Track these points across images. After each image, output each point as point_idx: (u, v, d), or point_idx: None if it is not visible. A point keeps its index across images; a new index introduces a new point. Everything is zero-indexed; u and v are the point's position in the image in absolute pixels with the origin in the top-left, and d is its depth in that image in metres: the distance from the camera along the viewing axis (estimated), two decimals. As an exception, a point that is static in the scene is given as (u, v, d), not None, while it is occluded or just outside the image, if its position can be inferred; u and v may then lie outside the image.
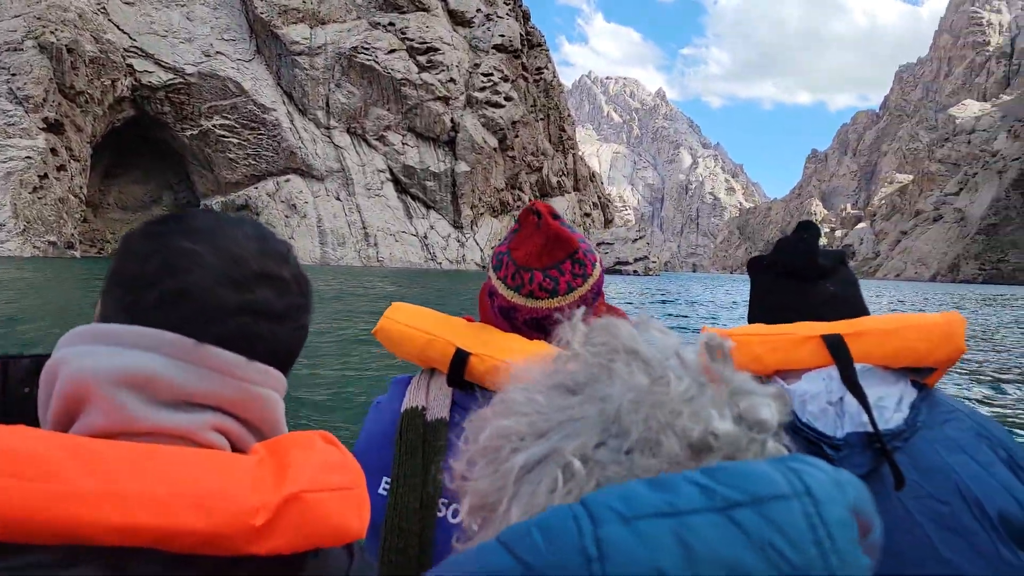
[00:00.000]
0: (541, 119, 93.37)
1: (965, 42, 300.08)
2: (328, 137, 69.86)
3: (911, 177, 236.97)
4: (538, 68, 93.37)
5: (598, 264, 1.18)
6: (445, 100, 73.19)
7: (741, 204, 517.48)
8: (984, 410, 7.99)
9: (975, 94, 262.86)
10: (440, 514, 1.10)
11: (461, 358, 1.13)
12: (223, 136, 64.14)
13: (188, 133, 63.28)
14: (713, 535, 0.31)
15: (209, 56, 64.07)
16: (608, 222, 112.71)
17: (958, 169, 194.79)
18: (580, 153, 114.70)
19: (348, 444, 0.96)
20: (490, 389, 1.06)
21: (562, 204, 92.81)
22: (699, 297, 36.09)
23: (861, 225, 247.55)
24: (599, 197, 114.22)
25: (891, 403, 1.08)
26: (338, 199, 68.86)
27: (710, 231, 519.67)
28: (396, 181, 72.37)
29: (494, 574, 0.35)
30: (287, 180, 66.80)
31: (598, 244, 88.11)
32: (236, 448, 0.68)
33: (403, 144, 72.29)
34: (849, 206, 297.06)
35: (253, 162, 65.79)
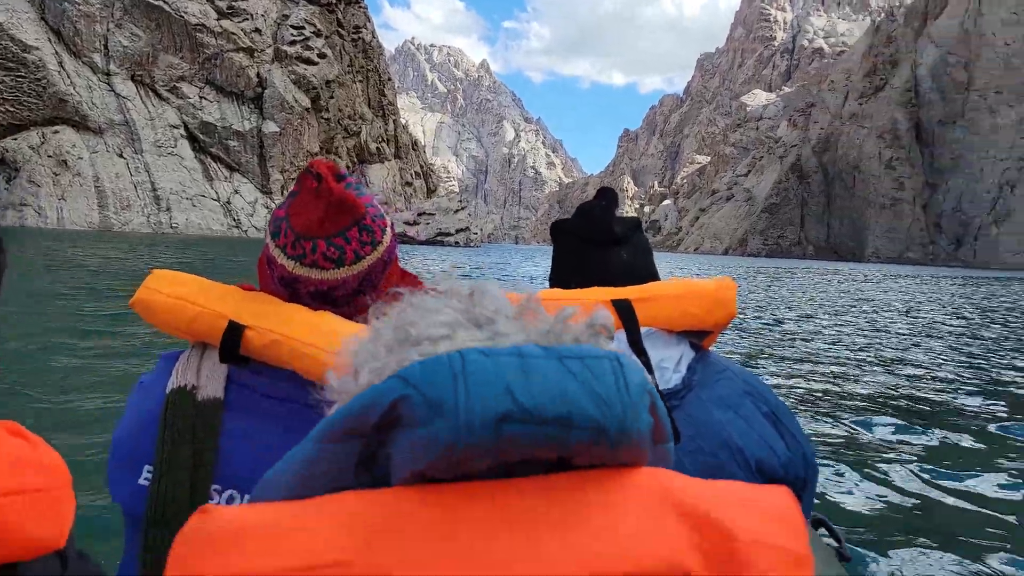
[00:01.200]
0: (359, 81, 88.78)
1: (756, 36, 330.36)
2: (108, 85, 60.99)
3: (709, 159, 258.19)
4: (356, 27, 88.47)
5: (388, 230, 1.13)
6: (250, 52, 66.81)
7: (561, 179, 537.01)
8: (752, 364, 8.68)
9: (763, 84, 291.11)
10: (213, 502, 0.99)
11: (235, 331, 1.04)
12: (-32, 76, 53.74)
13: (-81, 69, 52.30)
14: (548, 368, 0.39)
15: (-54, -23, 53.17)
16: (431, 192, 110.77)
17: (748, 153, 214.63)
18: (403, 121, 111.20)
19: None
20: (270, 364, 1.03)
21: (382, 172, 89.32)
22: (518, 270, 35.60)
23: (666, 202, 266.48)
24: (422, 166, 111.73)
25: (671, 364, 1.14)
26: (121, 156, 60.55)
27: (532, 204, 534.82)
28: (193, 139, 65.14)
29: (378, 391, 0.40)
30: (55, 132, 57.40)
31: (419, 214, 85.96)
32: None
33: (200, 98, 65.11)
34: (656, 184, 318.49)
35: (11, 109, 55.66)
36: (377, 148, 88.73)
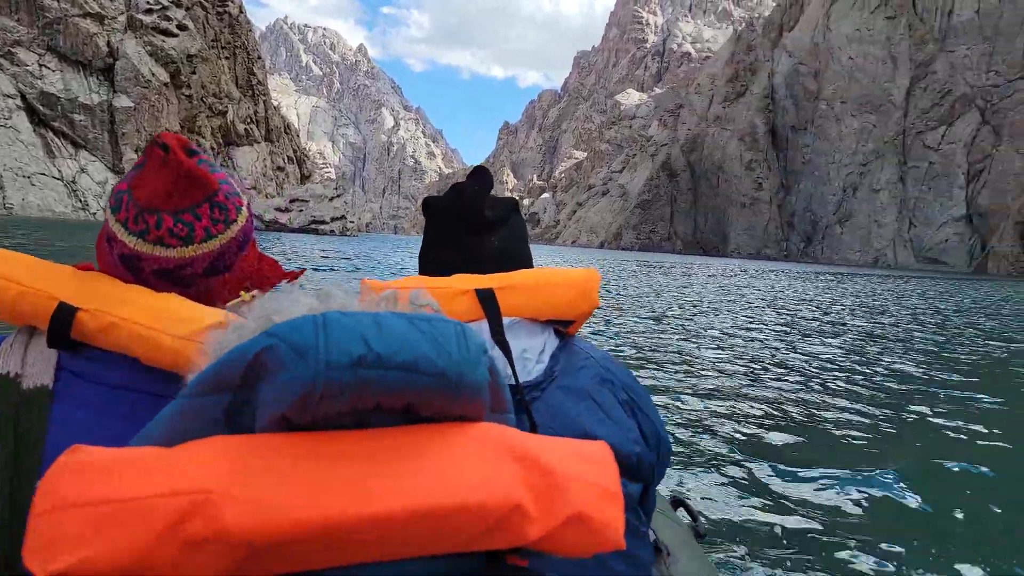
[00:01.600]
0: (226, 58, 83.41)
1: (629, 38, 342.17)
2: (-76, 44, 53.66)
3: (586, 154, 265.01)
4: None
5: (245, 209, 1.06)
6: (99, 18, 60.89)
7: (441, 169, 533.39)
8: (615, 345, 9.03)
9: (636, 84, 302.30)
10: None
11: (65, 313, 0.95)
12: None
13: None
14: (399, 324, 0.44)
15: None
16: (305, 178, 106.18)
17: (622, 150, 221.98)
18: (275, 102, 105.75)
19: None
20: (107, 350, 0.96)
21: (251, 155, 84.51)
22: (390, 259, 34.48)
23: (545, 196, 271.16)
24: (295, 151, 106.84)
25: (534, 354, 1.14)
26: (-59, 127, 53.52)
27: (412, 194, 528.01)
28: (31, 111, 58.60)
29: (244, 345, 0.43)
30: None
31: (292, 201, 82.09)
32: None
33: (40, 66, 58.66)
34: (535, 177, 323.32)
35: None
36: (246, 130, 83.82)
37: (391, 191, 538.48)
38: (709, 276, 37.28)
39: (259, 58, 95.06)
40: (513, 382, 1.07)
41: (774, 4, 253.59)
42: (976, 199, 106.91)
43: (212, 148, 74.85)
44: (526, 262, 1.27)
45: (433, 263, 1.25)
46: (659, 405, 5.78)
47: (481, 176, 1.26)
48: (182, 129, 68.37)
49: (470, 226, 1.22)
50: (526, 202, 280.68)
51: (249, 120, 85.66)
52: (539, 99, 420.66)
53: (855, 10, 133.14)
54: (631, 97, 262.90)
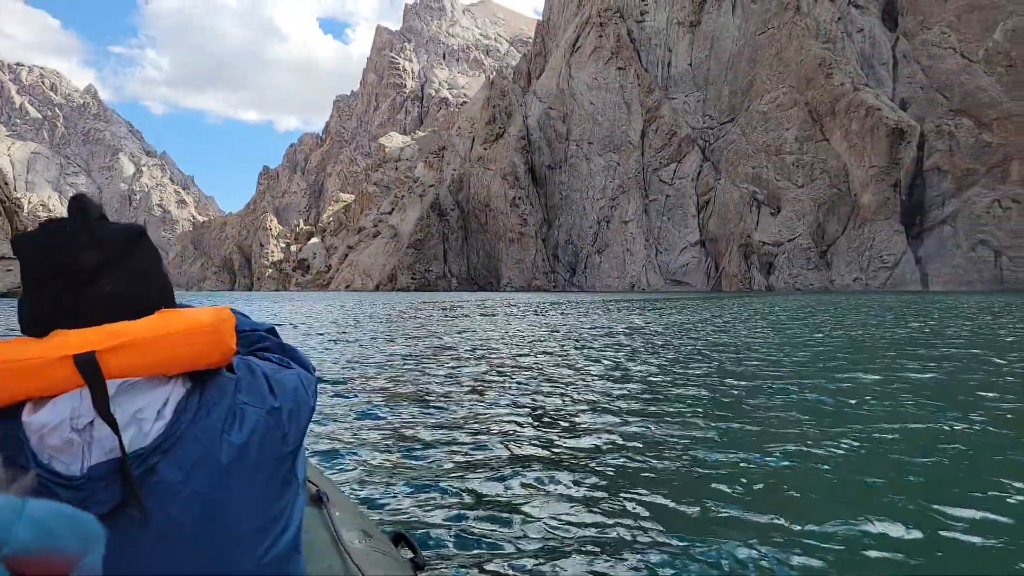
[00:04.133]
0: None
1: (388, 83, 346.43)
2: None
3: (353, 196, 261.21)
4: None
5: None
6: None
7: (194, 217, 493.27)
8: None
9: (398, 128, 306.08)
10: None
11: None
12: None
13: None
14: None
15: None
16: (17, 231, 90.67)
17: (390, 191, 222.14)
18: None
19: None
20: None
21: (-52, 209, 70.29)
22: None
23: (314, 240, 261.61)
24: (3, 201, 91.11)
25: (152, 413, 1.03)
26: None
27: (161, 246, 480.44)
28: None
29: None
30: None
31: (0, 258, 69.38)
32: None
33: None
34: (302, 222, 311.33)
35: None
36: (-61, 180, 69.67)
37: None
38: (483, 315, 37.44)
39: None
40: (119, 455, 0.97)
41: (520, 55, 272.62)
42: (707, 226, 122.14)
43: None
44: (154, 303, 1.11)
45: (28, 319, 1.07)
46: (402, 436, 6.14)
47: (79, 204, 1.09)
48: None
49: (68, 276, 1.04)
50: (293, 248, 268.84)
51: (-57, 168, 71.39)
52: (300, 142, 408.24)
53: (591, 61, 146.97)
54: (395, 140, 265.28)
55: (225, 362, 1.10)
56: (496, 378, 10.09)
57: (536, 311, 34.74)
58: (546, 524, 3.90)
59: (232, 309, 1.16)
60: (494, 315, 31.27)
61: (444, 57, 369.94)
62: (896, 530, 3.64)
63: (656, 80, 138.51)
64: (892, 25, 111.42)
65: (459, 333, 19.85)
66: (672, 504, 4.17)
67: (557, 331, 20.45)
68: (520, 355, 13.25)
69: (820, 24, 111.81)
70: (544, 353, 13.65)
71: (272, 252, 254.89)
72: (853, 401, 7.47)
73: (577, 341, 16.67)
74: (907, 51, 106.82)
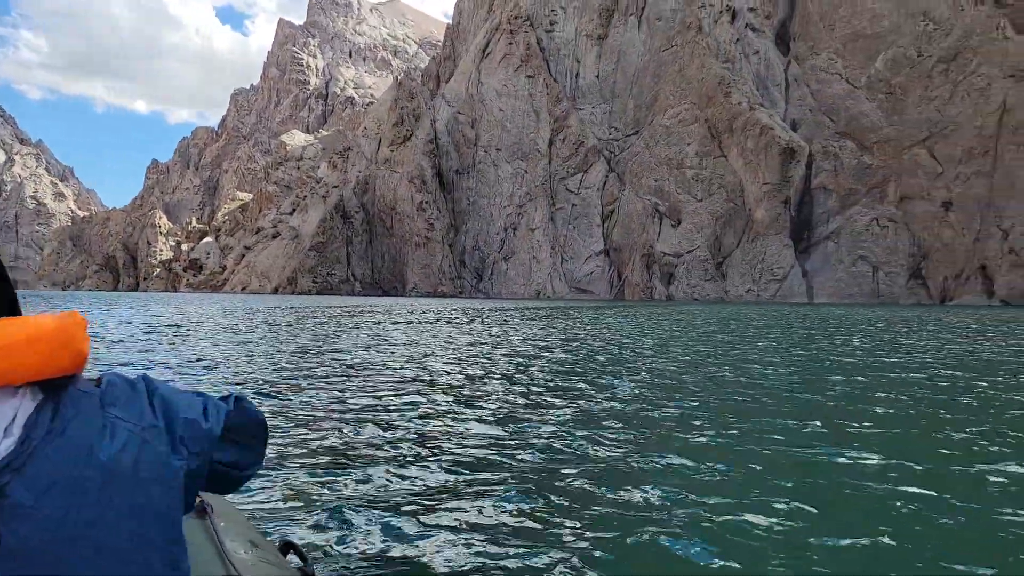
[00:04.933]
0: None
1: (291, 79, 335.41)
2: None
3: (251, 195, 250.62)
4: None
5: None
6: None
7: (74, 212, 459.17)
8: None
9: (301, 126, 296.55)
10: None
11: None
12: None
13: None
14: None
15: None
16: None
17: (291, 191, 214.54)
18: None
19: None
20: None
21: None
22: None
23: (207, 239, 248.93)
24: None
25: None
26: None
27: (35, 241, 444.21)
28: None
29: None
30: None
31: None
32: None
33: None
34: (195, 220, 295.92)
35: None
36: None
37: (6, 238, 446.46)
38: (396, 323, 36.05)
39: None
40: None
41: (429, 58, 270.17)
42: (611, 236, 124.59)
43: None
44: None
45: None
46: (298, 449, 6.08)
47: None
48: None
49: None
50: (184, 247, 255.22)
51: None
52: (194, 136, 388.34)
53: (501, 67, 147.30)
54: (297, 138, 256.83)
55: (78, 369, 1.06)
56: (387, 387, 9.79)
57: (450, 320, 33.71)
58: (438, 529, 4.01)
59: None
60: (408, 323, 30.00)
61: (350, 55, 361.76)
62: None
63: (565, 90, 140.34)
64: (785, 49, 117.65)
65: (356, 343, 18.61)
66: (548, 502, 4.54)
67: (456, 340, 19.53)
68: (416, 363, 12.34)
69: (720, 44, 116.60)
70: (436, 363, 12.79)
71: (161, 251, 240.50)
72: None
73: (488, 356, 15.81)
74: (798, 74, 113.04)
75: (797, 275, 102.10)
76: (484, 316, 41.12)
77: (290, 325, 28.54)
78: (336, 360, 14.50)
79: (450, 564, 3.52)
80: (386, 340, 20.70)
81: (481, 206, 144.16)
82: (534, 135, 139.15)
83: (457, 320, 35.09)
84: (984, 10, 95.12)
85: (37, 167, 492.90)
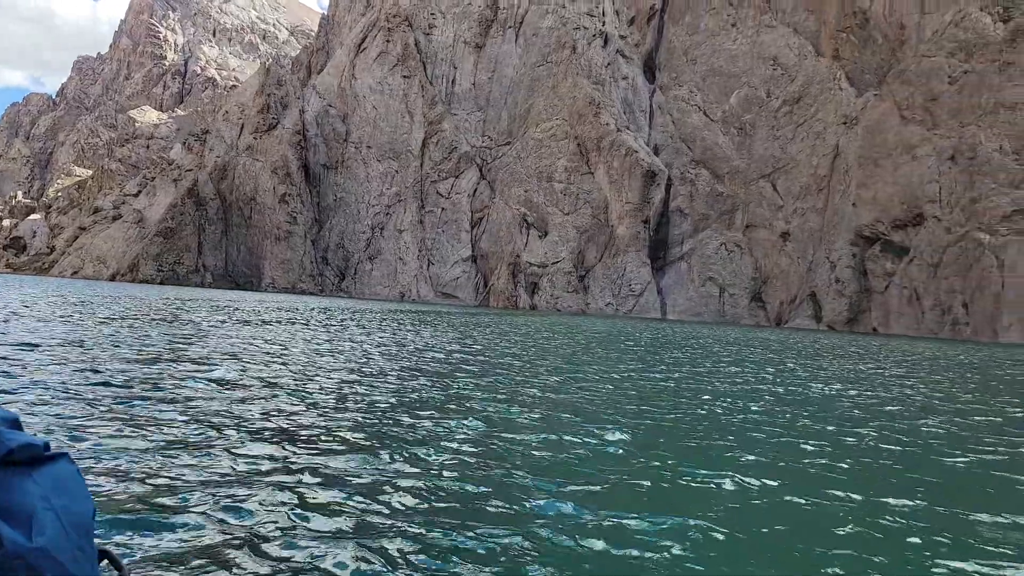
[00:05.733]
0: None
1: (144, 51, 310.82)
2: None
3: (91, 172, 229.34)
4: None
5: None
6: None
7: None
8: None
9: (154, 102, 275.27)
10: None
11: None
12: None
13: None
14: None
15: None
16: None
17: (138, 171, 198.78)
18: None
19: None
20: None
21: None
22: None
23: (34, 216, 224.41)
24: None
25: None
26: None
27: None
28: None
29: None
30: None
31: None
32: None
33: None
34: (21, 194, 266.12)
35: None
36: None
37: None
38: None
39: None
40: None
41: (300, 46, 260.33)
42: (479, 243, 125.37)
43: None
44: None
45: None
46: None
47: None
48: None
49: None
50: (6, 223, 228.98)
51: None
52: (26, 103, 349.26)
53: (376, 64, 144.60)
54: (148, 115, 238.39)
55: None
56: (223, 389, 9.47)
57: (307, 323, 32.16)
58: (261, 534, 3.89)
59: None
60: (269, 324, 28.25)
61: (214, 34, 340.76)
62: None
63: (440, 94, 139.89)
64: (651, 77, 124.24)
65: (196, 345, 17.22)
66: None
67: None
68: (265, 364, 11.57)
69: (592, 66, 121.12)
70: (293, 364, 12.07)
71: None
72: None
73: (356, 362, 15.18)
74: (662, 103, 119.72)
75: (653, 292, 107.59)
76: (352, 319, 39.90)
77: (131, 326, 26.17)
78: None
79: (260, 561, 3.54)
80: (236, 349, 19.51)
81: (348, 203, 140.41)
82: (407, 136, 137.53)
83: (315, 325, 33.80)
84: (824, 62, 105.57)
85: None
